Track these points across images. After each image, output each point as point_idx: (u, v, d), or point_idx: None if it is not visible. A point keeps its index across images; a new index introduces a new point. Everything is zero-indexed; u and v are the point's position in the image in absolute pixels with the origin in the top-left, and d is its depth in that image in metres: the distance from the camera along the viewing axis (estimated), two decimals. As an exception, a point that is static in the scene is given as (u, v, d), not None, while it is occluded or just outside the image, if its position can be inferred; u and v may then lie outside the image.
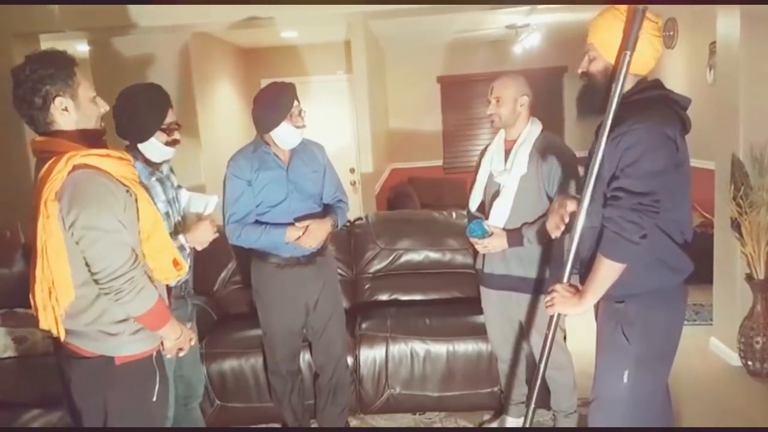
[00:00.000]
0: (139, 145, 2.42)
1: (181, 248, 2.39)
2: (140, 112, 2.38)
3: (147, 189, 2.29)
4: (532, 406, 2.29)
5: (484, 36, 7.46)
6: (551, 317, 2.17)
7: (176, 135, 2.49)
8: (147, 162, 2.45)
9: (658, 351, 2.04)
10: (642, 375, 2.02)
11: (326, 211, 2.92)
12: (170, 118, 2.46)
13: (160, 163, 2.51)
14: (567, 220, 2.15)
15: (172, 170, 2.62)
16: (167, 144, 2.45)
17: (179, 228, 2.50)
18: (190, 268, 2.58)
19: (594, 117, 2.07)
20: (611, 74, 1.98)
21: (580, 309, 2.04)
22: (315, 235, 2.77)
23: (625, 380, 2.02)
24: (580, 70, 2.08)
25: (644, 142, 1.84)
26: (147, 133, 2.40)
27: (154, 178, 2.46)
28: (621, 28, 1.95)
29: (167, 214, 2.46)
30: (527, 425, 2.34)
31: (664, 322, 2.00)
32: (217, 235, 2.52)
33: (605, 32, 1.99)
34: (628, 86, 1.99)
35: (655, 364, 2.05)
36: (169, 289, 2.56)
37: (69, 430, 1.97)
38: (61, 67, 1.83)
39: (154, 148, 2.43)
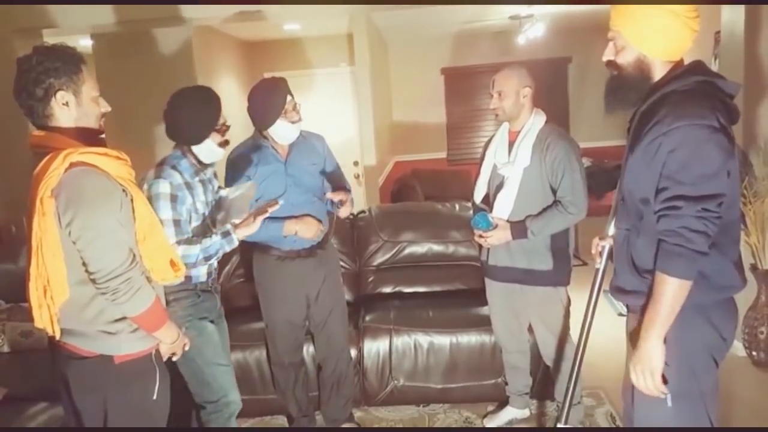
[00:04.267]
0: (194, 147, 2.47)
1: (227, 235, 2.41)
2: (195, 114, 2.42)
3: (191, 187, 2.40)
4: (567, 404, 2.30)
5: (487, 27, 7.42)
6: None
7: (227, 136, 2.54)
8: (194, 162, 2.49)
9: (700, 375, 1.78)
10: (686, 400, 1.77)
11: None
12: (222, 119, 2.51)
13: (207, 166, 2.54)
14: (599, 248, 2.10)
15: (215, 175, 2.67)
16: (220, 145, 2.51)
17: (211, 227, 2.51)
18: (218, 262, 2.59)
19: (624, 112, 1.90)
20: (645, 66, 1.78)
21: (646, 351, 1.71)
22: (310, 225, 2.78)
23: (669, 403, 1.76)
24: (605, 59, 1.85)
25: (690, 140, 1.62)
26: (202, 136, 2.44)
27: (197, 179, 2.49)
28: (658, 18, 1.72)
29: (203, 215, 2.49)
30: (563, 423, 2.31)
31: (702, 342, 1.75)
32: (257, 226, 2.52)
33: (640, 22, 1.74)
34: (658, 75, 1.78)
35: (697, 391, 1.78)
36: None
37: (69, 430, 1.96)
38: (68, 62, 1.80)
39: (207, 149, 2.48)
